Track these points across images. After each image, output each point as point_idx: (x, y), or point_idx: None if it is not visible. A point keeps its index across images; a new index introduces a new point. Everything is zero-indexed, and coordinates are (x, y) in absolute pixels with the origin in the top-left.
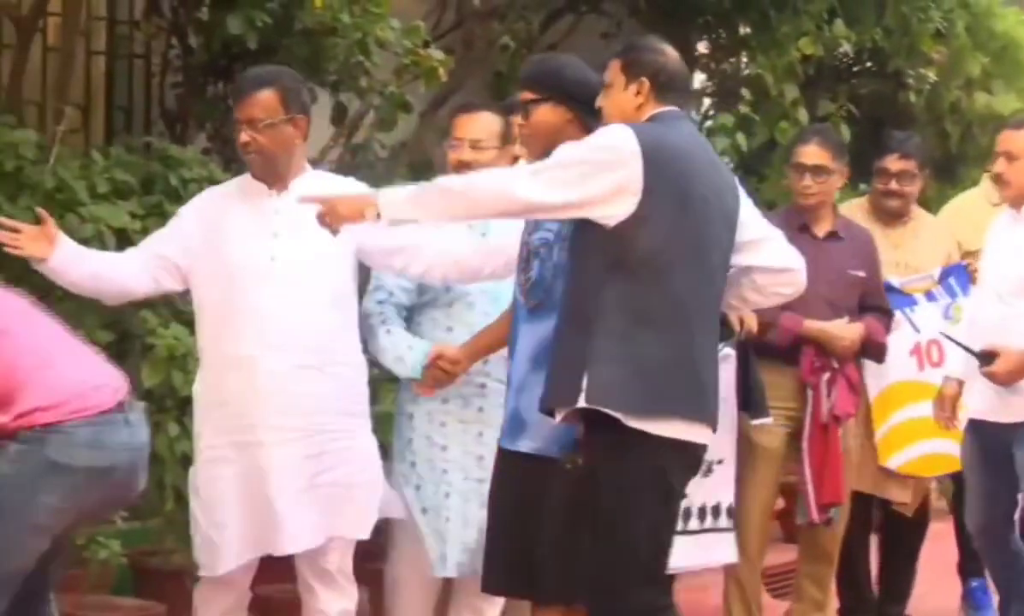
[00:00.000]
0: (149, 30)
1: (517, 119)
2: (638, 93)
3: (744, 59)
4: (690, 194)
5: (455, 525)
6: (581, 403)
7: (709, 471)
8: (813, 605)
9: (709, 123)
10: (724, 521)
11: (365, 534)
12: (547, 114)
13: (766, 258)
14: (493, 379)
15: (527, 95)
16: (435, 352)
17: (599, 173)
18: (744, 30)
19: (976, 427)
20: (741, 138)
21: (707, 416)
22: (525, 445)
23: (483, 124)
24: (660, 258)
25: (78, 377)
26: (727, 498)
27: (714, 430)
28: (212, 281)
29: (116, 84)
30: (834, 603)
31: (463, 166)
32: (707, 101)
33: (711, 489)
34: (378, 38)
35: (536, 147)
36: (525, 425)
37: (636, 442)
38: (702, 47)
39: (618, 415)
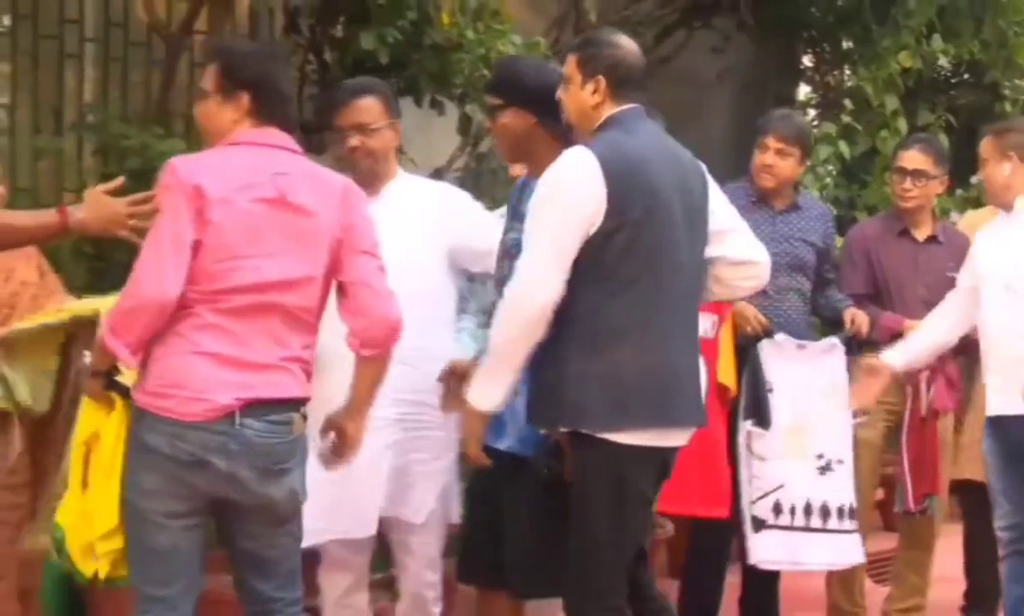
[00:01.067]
0: (288, 46)
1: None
2: (595, 91)
3: (847, 71)
4: (654, 203)
5: None
6: (562, 427)
7: (827, 470)
8: (912, 590)
9: (813, 132)
10: (847, 523)
11: (419, 519)
12: (510, 119)
13: (729, 249)
14: None
15: (491, 101)
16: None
17: (573, 215)
18: (847, 44)
19: (996, 425)
20: (844, 146)
21: (677, 420)
22: (502, 443)
23: None
24: (626, 267)
25: (184, 381)
26: (848, 499)
27: (696, 426)
28: None
29: None
30: (931, 588)
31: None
32: (811, 111)
33: (825, 489)
34: (501, 53)
35: (504, 148)
36: (502, 424)
37: (600, 448)
38: (807, 60)
39: (586, 431)
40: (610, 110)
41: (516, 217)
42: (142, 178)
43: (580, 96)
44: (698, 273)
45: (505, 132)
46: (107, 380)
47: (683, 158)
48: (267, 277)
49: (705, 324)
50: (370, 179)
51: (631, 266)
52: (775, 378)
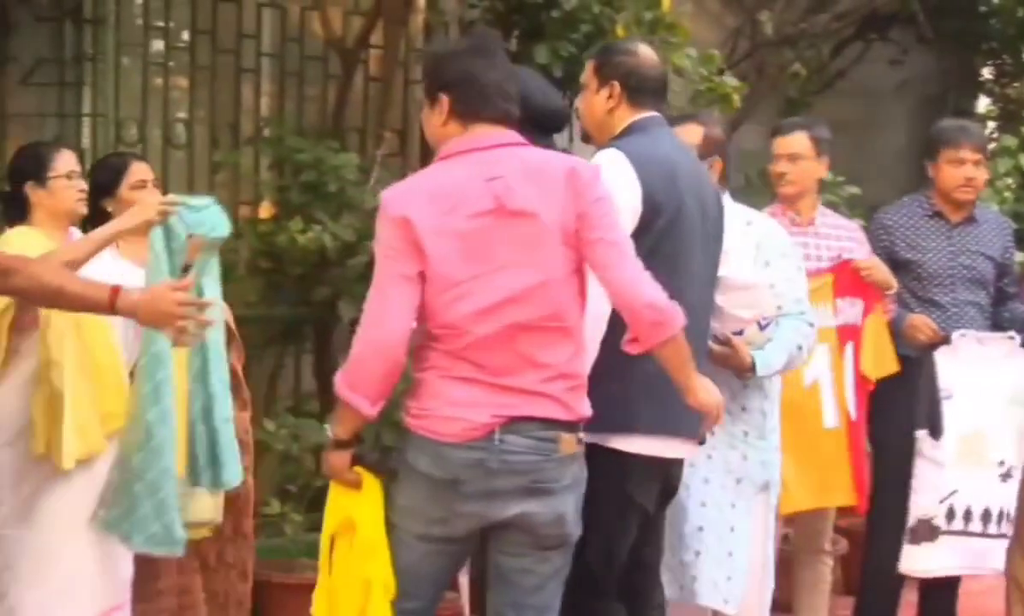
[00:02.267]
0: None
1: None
2: (609, 97)
3: None
4: (679, 211)
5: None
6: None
7: (1008, 477)
8: None
9: (992, 145)
10: (1006, 528)
11: None
12: None
13: (727, 270)
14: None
15: None
16: None
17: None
18: None
19: None
20: None
21: (678, 430)
22: None
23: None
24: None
25: (440, 403)
26: (1012, 505)
27: (696, 440)
28: None
29: None
30: None
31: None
32: (991, 124)
33: (1005, 495)
34: (676, 66)
35: None
36: None
37: (603, 455)
38: (987, 72)
39: (590, 438)
40: (627, 117)
41: None
42: (316, 191)
43: (595, 101)
44: (710, 287)
45: None
46: (353, 455)
47: (704, 172)
48: (496, 296)
49: (854, 310)
50: None
51: (652, 273)
52: (954, 384)
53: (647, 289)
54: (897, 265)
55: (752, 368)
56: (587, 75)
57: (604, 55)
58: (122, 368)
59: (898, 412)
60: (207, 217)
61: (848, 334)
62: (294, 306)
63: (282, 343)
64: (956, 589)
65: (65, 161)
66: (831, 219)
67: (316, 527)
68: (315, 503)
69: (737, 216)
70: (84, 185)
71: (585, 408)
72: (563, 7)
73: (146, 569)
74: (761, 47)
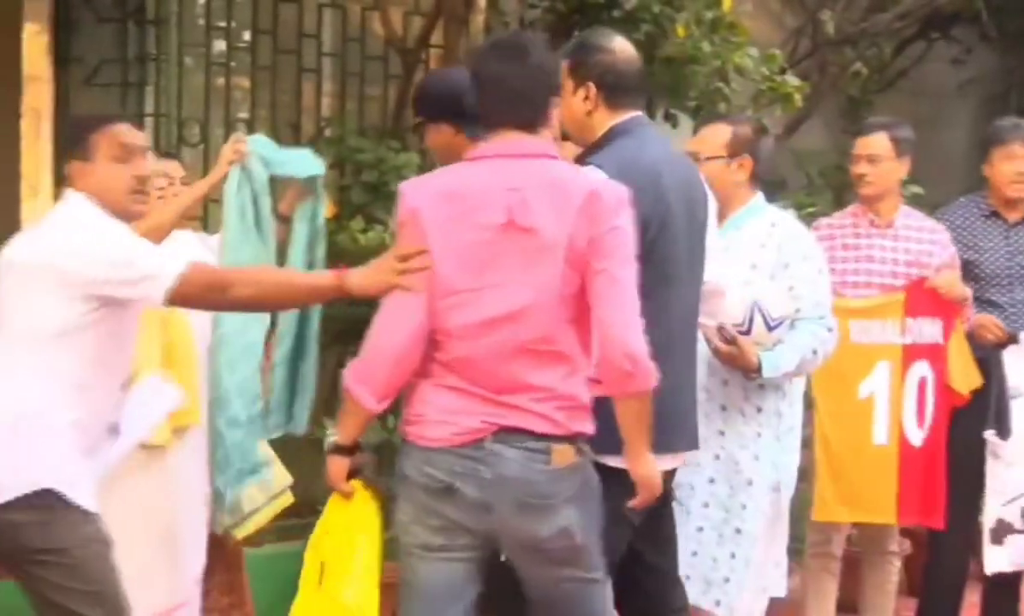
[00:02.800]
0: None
1: None
2: (586, 98)
3: None
4: (666, 218)
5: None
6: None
7: None
8: None
9: None
10: None
11: None
12: (433, 134)
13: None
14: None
15: (414, 120)
16: None
17: None
18: None
19: None
20: None
21: (668, 444)
22: None
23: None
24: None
25: (431, 409)
26: None
27: (689, 450)
28: None
29: None
30: None
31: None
32: None
33: None
34: (737, 65)
35: (439, 163)
36: None
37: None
38: None
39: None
40: (608, 118)
41: None
42: (377, 192)
43: (572, 103)
44: (697, 289)
45: (434, 147)
46: (352, 466)
47: (690, 169)
48: (492, 312)
49: (933, 329)
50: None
51: (641, 282)
52: (1020, 383)
53: (633, 338)
54: None
55: (758, 369)
56: (562, 76)
57: (578, 53)
58: (197, 370)
59: (966, 413)
60: (292, 155)
61: (918, 353)
62: (355, 306)
63: (343, 342)
64: (1018, 590)
65: None
66: (914, 221)
67: None
68: None
69: (763, 217)
70: (160, 183)
71: (579, 425)
72: (623, 7)
73: None
74: (822, 46)
